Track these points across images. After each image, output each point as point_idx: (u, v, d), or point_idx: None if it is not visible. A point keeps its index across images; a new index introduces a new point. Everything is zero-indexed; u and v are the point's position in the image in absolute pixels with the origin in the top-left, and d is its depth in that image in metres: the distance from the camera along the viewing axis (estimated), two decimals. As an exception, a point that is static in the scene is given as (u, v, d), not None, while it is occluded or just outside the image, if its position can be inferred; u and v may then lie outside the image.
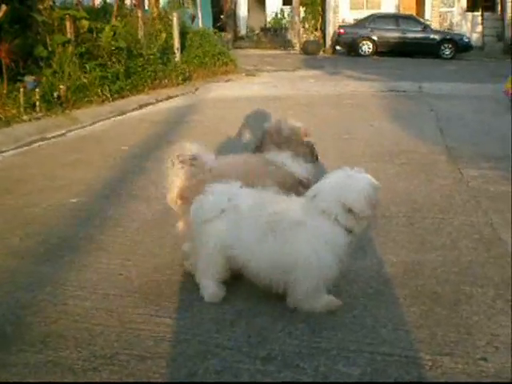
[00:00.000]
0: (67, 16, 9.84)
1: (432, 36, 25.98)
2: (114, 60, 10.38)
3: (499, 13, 29.59)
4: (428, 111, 9.39)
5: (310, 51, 26.92)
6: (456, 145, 6.76)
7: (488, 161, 5.98)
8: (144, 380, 2.41)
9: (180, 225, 3.43)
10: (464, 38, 26.79)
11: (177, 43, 13.08)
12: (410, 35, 25.74)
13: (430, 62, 22.80)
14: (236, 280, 3.30)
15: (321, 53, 27.64)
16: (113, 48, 10.44)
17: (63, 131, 7.62)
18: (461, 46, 25.96)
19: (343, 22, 29.17)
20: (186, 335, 2.75)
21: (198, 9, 18.25)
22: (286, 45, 29.73)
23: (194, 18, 16.98)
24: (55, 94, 8.65)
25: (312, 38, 29.45)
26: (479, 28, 30.27)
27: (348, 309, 2.98)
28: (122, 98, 10.05)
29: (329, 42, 28.83)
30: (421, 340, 2.70)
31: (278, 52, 27.58)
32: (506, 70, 10.64)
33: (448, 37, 26.30)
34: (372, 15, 27.05)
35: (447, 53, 25.55)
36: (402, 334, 2.75)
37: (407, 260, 3.60)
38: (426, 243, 3.82)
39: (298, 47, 28.94)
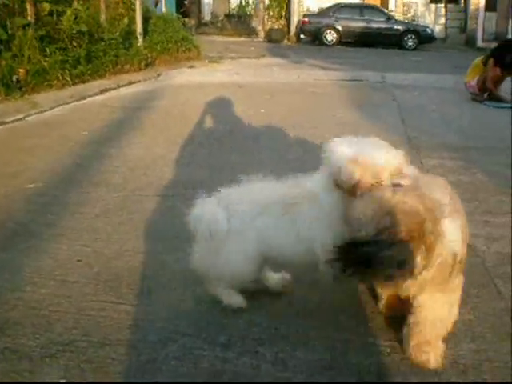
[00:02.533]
0: (28, -2, 9.64)
1: (395, 27, 26.22)
2: (74, 44, 10.21)
3: (462, 5, 29.99)
4: (390, 101, 9.46)
5: (274, 39, 26.91)
6: (417, 135, 6.83)
7: (448, 151, 6.06)
8: (101, 365, 2.39)
9: None
10: (427, 29, 27.08)
11: (139, 28, 12.92)
12: (374, 25, 25.93)
13: (394, 52, 23.02)
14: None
15: (285, 41, 27.65)
16: (74, 32, 10.26)
17: (22, 116, 7.46)
18: (424, 37, 26.25)
19: (308, 10, 29.21)
20: (146, 322, 2.74)
21: (162, -6, 18.07)
22: (251, 32, 29.65)
23: (157, 2, 16.82)
24: (14, 78, 8.48)
25: (276, 26, 29.40)
26: (442, 19, 30.62)
27: (308, 295, 3.00)
28: (83, 82, 9.90)
29: (293, 30, 28.84)
30: (379, 327, 2.73)
31: (242, 39, 27.48)
32: (467, 62, 10.76)
33: (411, 28, 26.57)
34: (336, 4, 27.12)
35: (410, 44, 25.80)
36: (361, 321, 2.78)
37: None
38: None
39: (262, 35, 28.91)
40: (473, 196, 4.61)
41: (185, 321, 2.76)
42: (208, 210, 2.75)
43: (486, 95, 9.88)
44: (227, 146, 6.12)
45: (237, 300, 2.83)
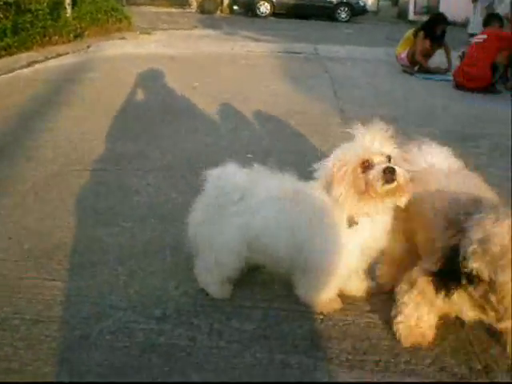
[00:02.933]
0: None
1: (329, -1, 26.30)
2: (0, 15, 9.83)
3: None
4: (323, 73, 9.52)
5: (207, 10, 26.58)
6: (349, 106, 6.92)
7: (378, 122, 6.15)
8: (34, 342, 2.36)
9: None
10: (360, 1, 27.23)
11: (68, -2, 12.54)
12: (308, -3, 25.93)
13: (327, 24, 23.10)
14: (130, 243, 3.28)
15: (218, 12, 27.34)
16: (0, 3, 9.87)
17: None
18: (356, 10, 26.41)
19: (241, -19, 28.93)
20: (79, 298, 2.71)
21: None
22: (183, 3, 29.14)
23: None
24: None
25: (209, -3, 29.05)
26: (375, -8, 30.89)
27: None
28: (10, 55, 9.56)
29: (226, 1, 28.53)
30: (312, 295, 2.78)
31: (174, 10, 27.01)
32: (399, 35, 10.94)
33: (344, 0, 26.69)
34: (270, -24, 26.96)
35: (343, 16, 25.93)
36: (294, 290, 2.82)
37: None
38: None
39: (194, 6, 28.47)
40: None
41: (119, 295, 2.74)
42: (237, 171, 2.67)
43: (416, 67, 10.09)
44: (159, 119, 6.05)
45: (223, 290, 2.76)
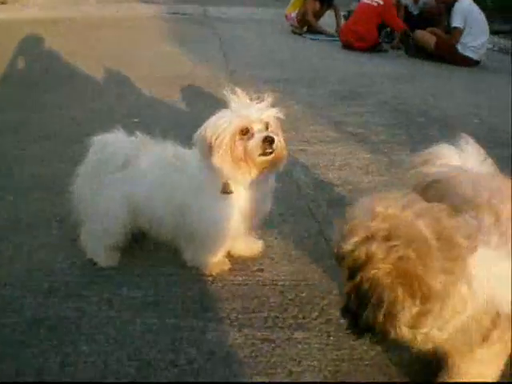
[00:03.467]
0: None
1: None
2: None
3: None
4: (212, 35, 9.45)
5: (91, -29, 25.61)
6: (238, 68, 6.94)
7: (267, 83, 6.21)
8: None
9: None
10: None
11: None
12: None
13: (215, -15, 22.86)
14: (14, 216, 3.18)
15: (103, -27, 26.43)
16: None
17: None
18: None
19: None
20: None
21: None
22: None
23: None
24: None
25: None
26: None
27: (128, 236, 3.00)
28: None
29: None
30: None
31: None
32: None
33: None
34: None
35: (231, -24, 25.73)
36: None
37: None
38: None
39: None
40: (290, 127, 4.79)
41: (4, 271, 2.67)
42: (121, 138, 2.63)
43: (305, 28, 10.21)
44: (42, 86, 5.83)
45: (110, 258, 2.73)
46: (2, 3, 12.55)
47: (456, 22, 8.02)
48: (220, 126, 2.30)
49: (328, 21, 10.34)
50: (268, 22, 11.29)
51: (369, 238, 1.55)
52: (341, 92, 6.17)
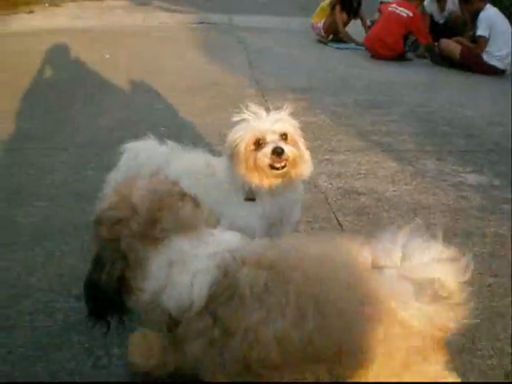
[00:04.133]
0: None
1: (241, -32, 26.12)
2: None
3: None
4: (238, 44, 9.51)
5: (118, -19, 25.93)
6: (264, 77, 6.98)
7: (293, 92, 6.27)
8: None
9: None
10: (272, -30, 27.23)
11: (-31, -31, 11.98)
12: (220, -34, 25.67)
13: (240, -6, 23.00)
14: (45, 222, 3.26)
15: (130, -18, 26.74)
16: None
17: None
18: (269, -21, 26.39)
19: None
20: (-4, 280, 2.69)
21: None
22: (93, -27, 28.33)
23: None
24: None
25: (120, -33, 28.31)
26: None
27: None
28: None
29: (138, -29, 27.91)
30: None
31: (84, -19, 26.24)
32: (314, 4, 11.01)
33: (257, -31, 26.58)
34: None
35: (256, -15, 25.86)
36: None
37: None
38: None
39: (105, -24, 27.73)
40: (316, 136, 4.84)
41: (36, 276, 2.73)
42: (152, 145, 2.72)
43: (331, 37, 10.24)
44: (71, 95, 5.93)
45: None
46: (30, 12, 12.77)
47: (481, 30, 8.01)
48: (236, 136, 2.37)
49: (351, 30, 10.34)
50: (294, 31, 11.33)
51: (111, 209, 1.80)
52: (366, 101, 6.19)
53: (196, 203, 1.90)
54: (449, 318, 1.56)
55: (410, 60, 8.99)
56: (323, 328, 1.59)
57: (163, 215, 1.78)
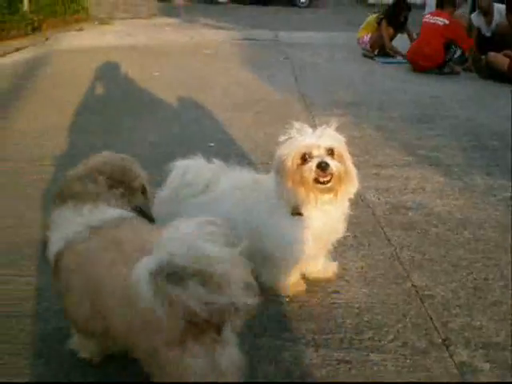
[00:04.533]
0: None
1: (288, -16, 26.24)
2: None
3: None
4: (284, 60, 9.59)
5: (165, -2, 26.35)
6: (310, 92, 7.01)
7: (339, 107, 6.28)
8: (8, 337, 2.41)
9: None
10: (318, -14, 27.30)
11: (24, -9, 12.36)
12: (267, -17, 25.84)
13: (287, 10, 23.13)
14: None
15: None
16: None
17: None
18: (316, -6, 26.45)
19: (199, -32, 28.69)
20: (50, 292, 2.74)
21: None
22: (141, -9, 28.84)
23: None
24: None
25: (167, -15, 28.77)
26: (333, -24, 30.91)
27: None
28: (-33, 50, 9.43)
29: (184, -12, 28.32)
30: (279, 279, 2.88)
31: (132, -1, 26.75)
32: (359, 19, 11.05)
33: (303, -15, 26.67)
34: (228, -38, 26.81)
35: (303, 1, 25.94)
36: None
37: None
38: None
39: (153, -6, 28.21)
40: (363, 150, 4.84)
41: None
42: (201, 164, 2.82)
43: (377, 51, 10.23)
44: (122, 111, 6.06)
45: None
46: (80, 30, 13.10)
47: (530, 43, 7.89)
48: (284, 152, 2.44)
49: (397, 43, 10.30)
50: (339, 46, 11.35)
51: None
52: (413, 115, 6.16)
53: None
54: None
55: (456, 73, 8.88)
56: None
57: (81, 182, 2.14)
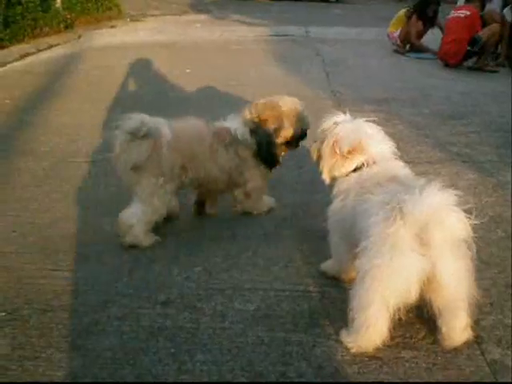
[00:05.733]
0: None
1: (318, -21, 26.10)
2: (-10, 9, 9.82)
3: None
4: (314, 55, 9.56)
5: (196, -5, 26.41)
6: (341, 89, 6.99)
7: (371, 103, 6.25)
8: (45, 331, 2.46)
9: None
10: (349, -19, 27.11)
11: (57, -12, 12.51)
12: (297, -22, 25.74)
13: (317, 5, 22.98)
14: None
15: (208, -4, 27.21)
16: (-10, -3, 9.85)
17: None
18: (346, -11, 26.28)
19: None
20: (86, 286, 2.81)
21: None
22: (172, -12, 28.96)
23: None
24: None
25: (198, -19, 28.83)
26: (363, -29, 30.70)
27: (242, 250, 3.14)
28: (2, 48, 9.57)
29: (215, -15, 28.34)
30: (310, 275, 2.89)
31: (163, -4, 26.89)
32: (390, 14, 10.94)
33: (333, -20, 26.52)
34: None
35: (333, -4, 25.78)
36: (293, 271, 2.94)
37: (296, 202, 3.80)
38: (313, 185, 3.99)
39: (184, -9, 28.30)
40: (395, 147, 4.80)
41: (124, 282, 2.85)
42: None
43: (408, 47, 10.14)
44: (155, 108, 6.08)
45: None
46: (112, 27, 13.22)
47: None
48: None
49: (431, 37, 10.20)
50: (370, 42, 11.28)
51: None
52: (445, 111, 6.11)
53: None
54: None
55: (493, 72, 8.69)
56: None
57: None
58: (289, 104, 3.50)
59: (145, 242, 3.15)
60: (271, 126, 3.41)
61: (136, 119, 3.08)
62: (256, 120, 3.45)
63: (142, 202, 3.12)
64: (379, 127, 2.72)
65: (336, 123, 2.67)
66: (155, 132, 3.07)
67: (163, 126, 3.14)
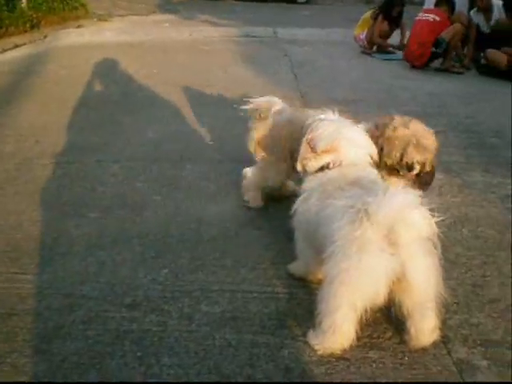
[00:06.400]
0: None
1: (285, -20, 26.18)
2: (-46, 8, 9.64)
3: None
4: (282, 56, 9.55)
5: (164, -5, 26.29)
6: (309, 90, 7.01)
7: (338, 104, 6.24)
8: (10, 335, 2.42)
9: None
10: (316, -18, 27.25)
11: (22, -13, 12.33)
12: (264, -21, 25.79)
13: (285, 6, 23.03)
14: (98, 233, 3.34)
15: (176, -4, 27.10)
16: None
17: None
18: (314, -9, 26.40)
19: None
20: (50, 290, 2.77)
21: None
22: (140, -12, 28.78)
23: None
24: None
25: (165, -19, 28.71)
26: (331, -28, 30.88)
27: (209, 252, 3.12)
28: (-35, 47, 9.41)
29: (183, -15, 28.26)
30: (278, 276, 2.89)
31: (131, -4, 26.70)
32: (357, 15, 11.00)
33: (301, -19, 26.62)
34: (225, -42, 26.76)
35: (301, -3, 25.88)
36: (260, 272, 2.93)
37: (265, 204, 3.79)
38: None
39: (151, -9, 28.14)
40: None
41: (89, 285, 2.81)
42: None
43: (374, 48, 10.21)
44: (121, 109, 6.05)
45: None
46: (79, 27, 13.07)
47: (529, 40, 7.88)
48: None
49: (396, 39, 10.29)
50: (338, 43, 11.32)
51: None
52: (412, 112, 6.10)
53: None
54: None
55: (458, 73, 8.79)
56: None
57: None
58: None
59: None
60: None
61: None
62: None
63: None
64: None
65: (320, 120, 2.67)
66: None
67: None
